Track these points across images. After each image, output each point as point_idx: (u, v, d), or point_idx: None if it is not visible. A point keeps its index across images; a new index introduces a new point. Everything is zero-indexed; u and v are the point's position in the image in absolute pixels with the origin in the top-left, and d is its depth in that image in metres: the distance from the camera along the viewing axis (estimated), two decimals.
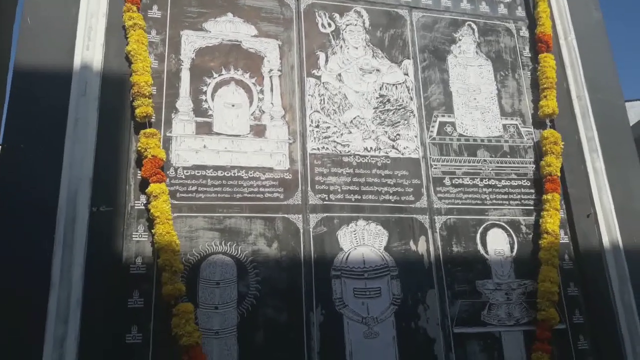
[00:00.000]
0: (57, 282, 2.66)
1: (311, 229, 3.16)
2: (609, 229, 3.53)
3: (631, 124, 4.39)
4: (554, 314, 3.20)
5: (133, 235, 2.90)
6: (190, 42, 3.32)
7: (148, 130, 2.99)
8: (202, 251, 2.97)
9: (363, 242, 3.22)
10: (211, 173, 3.12)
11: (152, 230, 2.85)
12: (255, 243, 3.06)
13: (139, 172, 2.98)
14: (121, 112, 3.07)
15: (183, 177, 3.07)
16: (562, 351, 3.25)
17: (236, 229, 3.05)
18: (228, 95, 3.28)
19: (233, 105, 3.26)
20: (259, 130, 3.27)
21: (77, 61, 3.02)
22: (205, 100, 3.24)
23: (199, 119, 3.19)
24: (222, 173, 3.13)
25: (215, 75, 3.31)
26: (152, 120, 3.07)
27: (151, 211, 2.85)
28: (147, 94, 3.04)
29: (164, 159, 2.98)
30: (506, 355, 3.18)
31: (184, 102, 3.20)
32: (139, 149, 2.96)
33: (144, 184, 2.95)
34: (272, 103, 3.34)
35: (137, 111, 3.01)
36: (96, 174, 2.90)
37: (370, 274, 3.16)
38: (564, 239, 3.50)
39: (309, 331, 2.95)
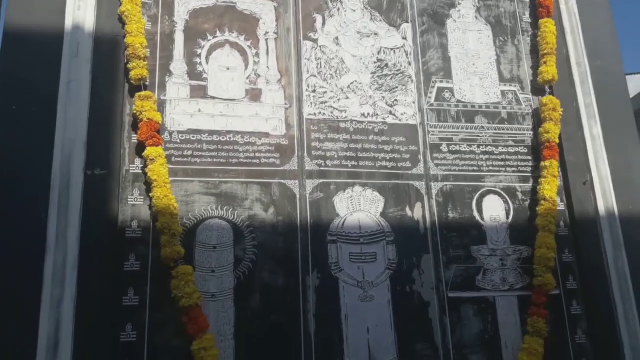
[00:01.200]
0: (53, 245, 2.66)
1: (307, 195, 3.16)
2: (604, 196, 3.53)
3: (630, 97, 4.34)
4: (550, 279, 3.22)
5: (128, 199, 2.89)
6: (184, 2, 3.25)
7: (143, 92, 2.94)
8: (198, 215, 2.96)
9: (359, 207, 3.22)
10: (206, 137, 3.09)
11: (150, 194, 2.84)
12: (252, 208, 3.05)
13: (134, 135, 2.95)
14: (114, 74, 3.02)
15: (178, 141, 3.04)
16: (556, 316, 3.29)
17: (232, 193, 3.04)
18: (223, 58, 3.22)
19: (228, 69, 3.21)
20: (254, 94, 3.23)
21: (69, 22, 2.96)
22: (200, 63, 3.19)
23: (194, 82, 3.15)
24: (217, 137, 3.10)
25: (209, 37, 3.25)
26: (147, 83, 3.02)
27: (148, 174, 2.83)
28: (142, 55, 2.98)
29: (160, 122, 2.94)
30: (500, 319, 3.22)
31: (178, 65, 3.14)
32: (134, 111, 2.92)
33: (139, 148, 2.93)
34: (267, 66, 3.28)
35: (132, 73, 2.96)
36: (90, 136, 2.87)
37: (366, 239, 3.17)
38: (560, 205, 3.51)
39: (305, 294, 2.98)
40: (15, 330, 2.54)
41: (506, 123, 3.63)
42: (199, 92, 3.14)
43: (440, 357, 3.06)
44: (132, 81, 2.98)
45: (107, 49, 3.03)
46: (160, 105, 3.05)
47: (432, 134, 3.46)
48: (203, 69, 3.18)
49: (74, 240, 2.69)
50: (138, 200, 2.89)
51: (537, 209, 3.38)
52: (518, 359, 3.07)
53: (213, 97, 3.15)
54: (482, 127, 3.57)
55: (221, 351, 2.75)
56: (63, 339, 2.56)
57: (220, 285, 2.88)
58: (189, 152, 3.04)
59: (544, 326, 3.12)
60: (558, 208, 3.46)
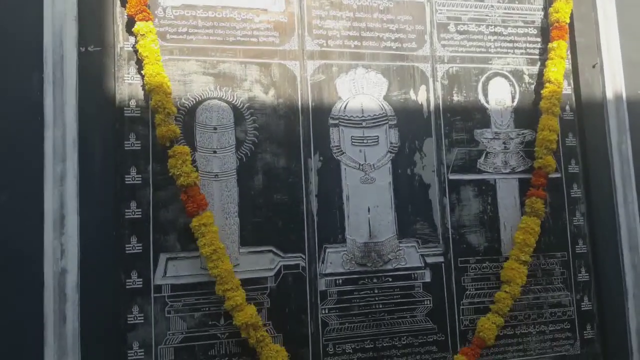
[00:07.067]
0: (51, 122, 2.61)
1: (309, 77, 3.07)
2: (613, 80, 3.44)
3: None
4: (550, 161, 3.21)
5: (125, 78, 2.80)
6: None
7: None
8: (197, 96, 2.90)
9: (362, 90, 3.14)
10: (201, 14, 2.94)
11: (142, 72, 2.75)
12: (251, 90, 2.98)
13: (125, 10, 2.81)
14: None
15: (172, 17, 2.90)
16: (555, 198, 3.33)
17: (230, 74, 2.95)
18: None
19: None
20: None
21: None
22: None
23: None
24: (212, 14, 2.95)
25: None
26: None
27: (139, 51, 2.72)
28: None
29: None
30: (500, 201, 3.25)
31: None
32: None
33: (130, 24, 2.80)
34: None
35: None
36: (81, 11, 2.72)
37: (368, 123, 3.12)
38: (567, 89, 3.43)
39: (307, 176, 2.98)
40: (22, 206, 2.56)
41: (517, 2, 3.44)
42: None
43: (439, 236, 3.13)
44: None
45: None
46: None
47: (439, 13, 3.30)
48: None
49: (72, 118, 2.64)
50: (135, 79, 2.81)
51: (542, 91, 3.30)
52: (514, 238, 3.14)
53: None
54: (492, 6, 3.39)
55: (226, 228, 2.81)
56: (69, 214, 2.60)
57: (223, 166, 2.88)
58: (184, 30, 2.91)
59: (542, 207, 3.15)
60: (565, 92, 3.38)
